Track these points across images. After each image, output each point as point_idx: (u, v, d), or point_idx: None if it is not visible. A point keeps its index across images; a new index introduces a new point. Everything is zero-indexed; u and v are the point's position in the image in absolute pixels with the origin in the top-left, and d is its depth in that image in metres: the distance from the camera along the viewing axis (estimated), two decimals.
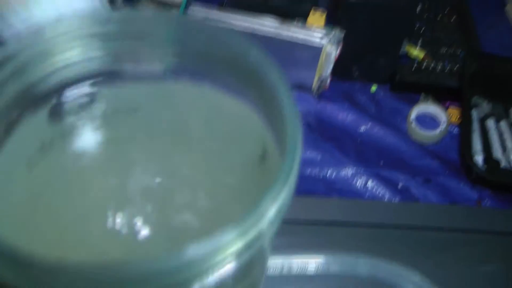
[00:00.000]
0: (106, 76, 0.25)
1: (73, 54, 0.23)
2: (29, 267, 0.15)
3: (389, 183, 0.52)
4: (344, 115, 0.56)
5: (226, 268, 0.17)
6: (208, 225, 0.17)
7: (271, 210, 0.18)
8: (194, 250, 0.16)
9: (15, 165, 0.23)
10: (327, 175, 0.52)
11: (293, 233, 0.40)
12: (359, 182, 0.52)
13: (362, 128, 0.55)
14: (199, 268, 0.17)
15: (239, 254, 0.18)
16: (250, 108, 0.24)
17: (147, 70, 0.25)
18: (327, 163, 0.52)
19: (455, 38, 0.61)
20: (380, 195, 0.51)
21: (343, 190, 0.51)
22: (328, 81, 0.55)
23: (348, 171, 0.52)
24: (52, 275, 0.15)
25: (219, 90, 0.25)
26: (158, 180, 0.24)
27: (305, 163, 0.52)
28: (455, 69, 0.58)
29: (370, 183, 0.52)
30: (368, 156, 0.54)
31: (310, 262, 0.31)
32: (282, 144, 0.22)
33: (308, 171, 0.52)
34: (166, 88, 0.25)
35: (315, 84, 0.55)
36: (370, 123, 0.55)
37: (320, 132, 0.55)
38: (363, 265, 0.30)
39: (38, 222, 0.17)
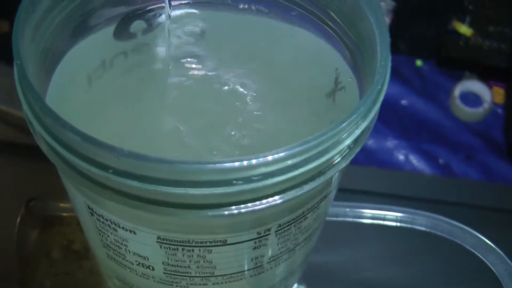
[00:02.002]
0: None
1: None
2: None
3: (430, 158, 0.51)
4: (387, 87, 0.55)
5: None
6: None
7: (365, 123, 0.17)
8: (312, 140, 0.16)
9: (74, 77, 0.23)
10: (368, 144, 0.51)
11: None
12: (400, 155, 0.51)
13: (405, 101, 0.54)
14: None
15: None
16: (324, 37, 0.24)
17: None
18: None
19: (505, 16, 0.59)
20: (420, 169, 0.50)
21: (383, 161, 0.50)
22: None
23: (389, 143, 0.51)
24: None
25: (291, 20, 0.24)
26: (222, 102, 0.23)
27: None
28: (502, 48, 0.57)
29: (410, 157, 0.51)
30: (410, 129, 0.53)
31: (366, 212, 0.30)
32: (364, 74, 0.22)
33: None
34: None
35: None
36: (413, 97, 0.54)
37: None
38: (421, 219, 0.29)
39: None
